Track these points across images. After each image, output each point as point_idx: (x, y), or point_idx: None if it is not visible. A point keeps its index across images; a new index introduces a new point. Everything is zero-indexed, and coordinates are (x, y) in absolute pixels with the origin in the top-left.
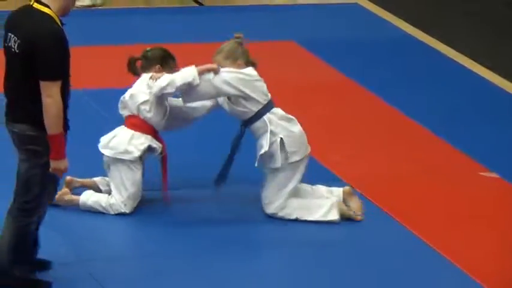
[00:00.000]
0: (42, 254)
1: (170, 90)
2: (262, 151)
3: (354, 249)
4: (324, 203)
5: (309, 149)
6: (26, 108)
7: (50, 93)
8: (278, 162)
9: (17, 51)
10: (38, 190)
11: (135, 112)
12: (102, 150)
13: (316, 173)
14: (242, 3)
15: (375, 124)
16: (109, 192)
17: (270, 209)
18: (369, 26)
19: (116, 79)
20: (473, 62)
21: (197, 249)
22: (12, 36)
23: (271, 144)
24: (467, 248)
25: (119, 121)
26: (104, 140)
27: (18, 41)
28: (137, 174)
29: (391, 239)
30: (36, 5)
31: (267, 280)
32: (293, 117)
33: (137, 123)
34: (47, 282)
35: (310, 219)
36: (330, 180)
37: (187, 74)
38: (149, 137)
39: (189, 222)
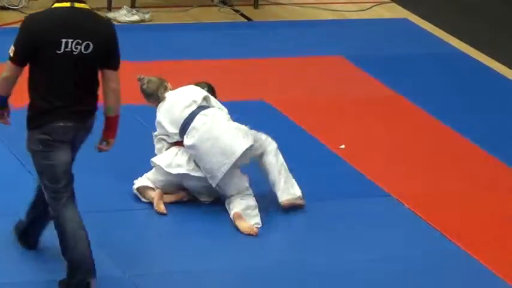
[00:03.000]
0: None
1: None
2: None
3: (403, 265)
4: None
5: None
6: (93, 103)
7: (118, 80)
8: None
9: (86, 52)
10: None
11: None
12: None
13: (366, 190)
14: (291, 19)
15: (425, 141)
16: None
17: None
18: (418, 42)
19: None
20: None
21: None
22: (72, 40)
23: None
24: None
25: None
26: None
27: (86, 42)
28: None
29: (441, 257)
30: (78, 5)
31: None
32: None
33: None
34: None
35: None
36: (380, 196)
37: None
38: None
39: None
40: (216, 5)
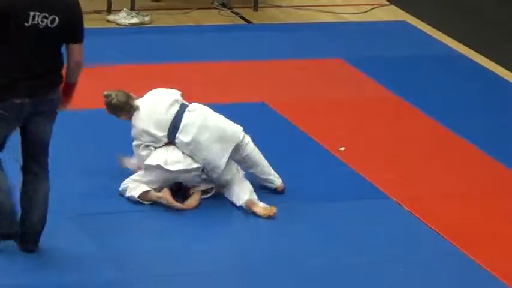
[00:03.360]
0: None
1: None
2: None
3: (403, 268)
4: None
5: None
6: (59, 74)
7: (81, 54)
8: None
9: (52, 26)
10: None
11: None
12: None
13: (366, 192)
14: (290, 21)
15: (425, 143)
16: None
17: None
18: (418, 44)
19: None
20: None
21: None
22: (39, 14)
23: None
24: None
25: None
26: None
27: (52, 16)
28: None
29: (440, 258)
30: None
31: None
32: None
33: None
34: None
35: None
36: (379, 198)
37: None
38: None
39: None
40: (215, 8)
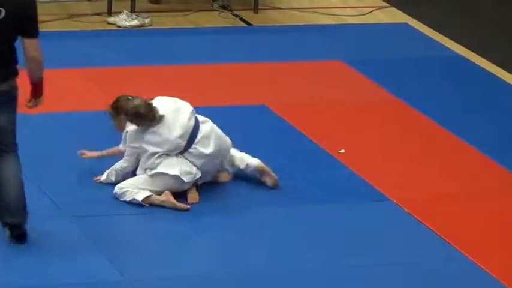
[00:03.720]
0: None
1: None
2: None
3: (403, 270)
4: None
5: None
6: (12, 67)
7: (37, 48)
8: None
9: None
10: None
11: None
12: None
13: (366, 194)
14: (290, 23)
15: (424, 144)
16: None
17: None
18: (418, 46)
19: None
20: None
21: None
22: None
23: None
24: None
25: None
26: None
27: (1, 9)
28: None
29: (440, 260)
30: None
31: None
32: None
33: None
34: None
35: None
36: (379, 200)
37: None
38: None
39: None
40: (215, 10)
